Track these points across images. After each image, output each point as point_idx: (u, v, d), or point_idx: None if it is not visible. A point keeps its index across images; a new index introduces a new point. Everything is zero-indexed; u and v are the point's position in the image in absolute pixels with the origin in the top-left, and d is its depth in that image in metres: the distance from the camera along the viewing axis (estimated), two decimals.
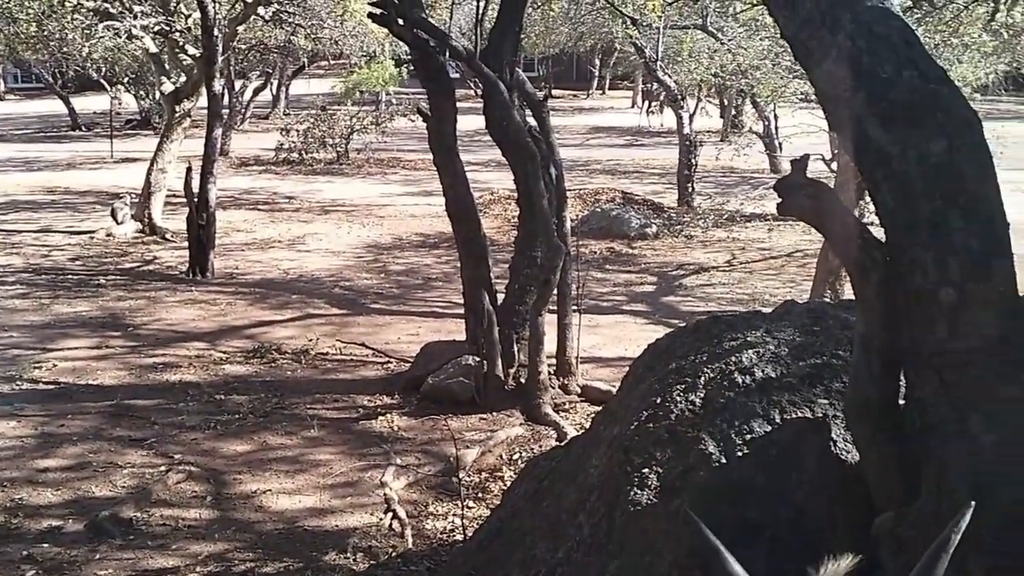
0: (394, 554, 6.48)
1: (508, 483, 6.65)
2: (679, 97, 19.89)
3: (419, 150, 20.62)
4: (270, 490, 7.36)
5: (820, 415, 3.70)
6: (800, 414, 3.72)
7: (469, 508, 6.91)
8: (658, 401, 4.10)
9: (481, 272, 9.32)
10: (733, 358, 4.07)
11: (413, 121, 19.04)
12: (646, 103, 34.99)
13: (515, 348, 9.23)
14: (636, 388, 4.50)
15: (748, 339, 4.20)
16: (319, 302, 12.85)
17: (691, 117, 20.26)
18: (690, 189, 19.60)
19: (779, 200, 3.12)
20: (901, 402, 3.19)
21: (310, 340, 10.92)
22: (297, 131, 25.23)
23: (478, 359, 9.00)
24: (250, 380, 9.74)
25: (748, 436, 3.67)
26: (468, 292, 9.40)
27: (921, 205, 2.89)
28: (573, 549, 4.15)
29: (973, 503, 1.74)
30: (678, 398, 4.04)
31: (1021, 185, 14.98)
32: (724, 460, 3.64)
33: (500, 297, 9.51)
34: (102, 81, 29.44)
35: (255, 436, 8.33)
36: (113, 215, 16.81)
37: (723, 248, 16.34)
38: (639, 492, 3.79)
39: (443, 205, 9.83)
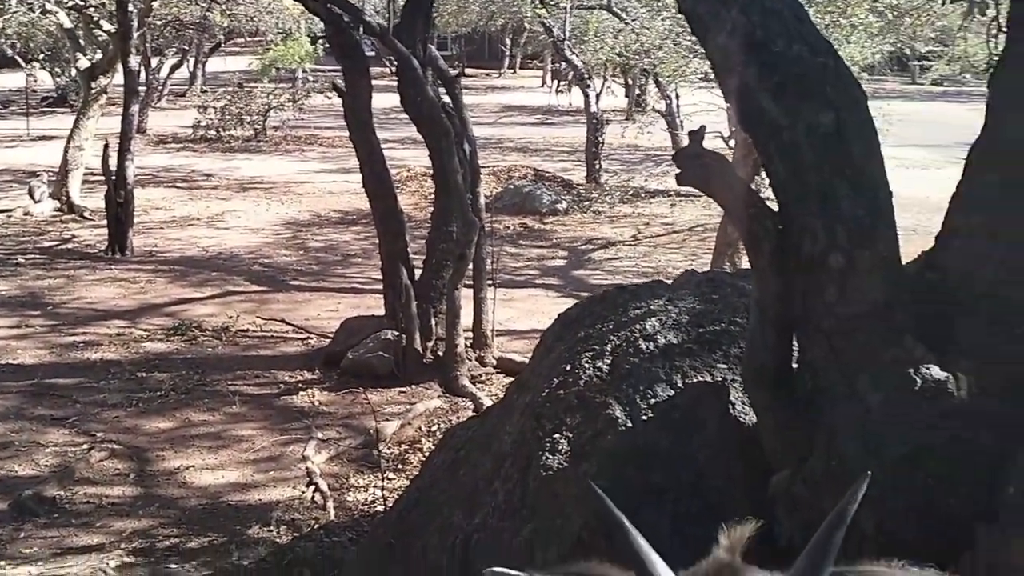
0: (316, 526, 6.46)
1: (427, 454, 6.64)
2: (586, 76, 19.92)
3: (336, 127, 20.33)
4: (193, 466, 7.26)
5: (719, 379, 3.74)
6: (700, 379, 3.76)
7: (389, 479, 6.90)
8: (568, 368, 4.11)
9: (399, 247, 9.26)
10: (638, 326, 4.10)
11: (329, 98, 18.77)
12: (555, 82, 34.94)
13: (433, 322, 9.20)
14: (547, 357, 4.50)
15: (651, 307, 4.22)
16: (239, 279, 12.63)
17: (598, 96, 20.30)
18: (597, 166, 19.69)
19: (678, 171, 3.14)
20: (794, 366, 3.25)
21: (230, 317, 10.75)
22: (214, 108, 24.65)
23: (397, 333, 8.95)
24: (171, 357, 9.55)
25: (652, 400, 3.70)
26: (386, 267, 9.33)
27: (810, 175, 2.93)
28: (489, 515, 4.15)
29: (869, 473, 1.76)
30: (587, 365, 4.05)
31: (905, 161, 15.48)
32: (630, 424, 3.66)
33: (418, 272, 9.44)
34: (17, 58, 28.26)
35: (177, 413, 8.18)
36: (30, 194, 16.20)
37: (629, 223, 16.47)
38: (550, 457, 3.80)
39: (360, 182, 9.73)
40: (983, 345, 2.88)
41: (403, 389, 8.70)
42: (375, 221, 9.75)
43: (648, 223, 16.45)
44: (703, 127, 3.19)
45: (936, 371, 2.86)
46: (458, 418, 7.76)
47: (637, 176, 19.43)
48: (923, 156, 18.01)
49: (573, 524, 3.52)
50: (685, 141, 3.31)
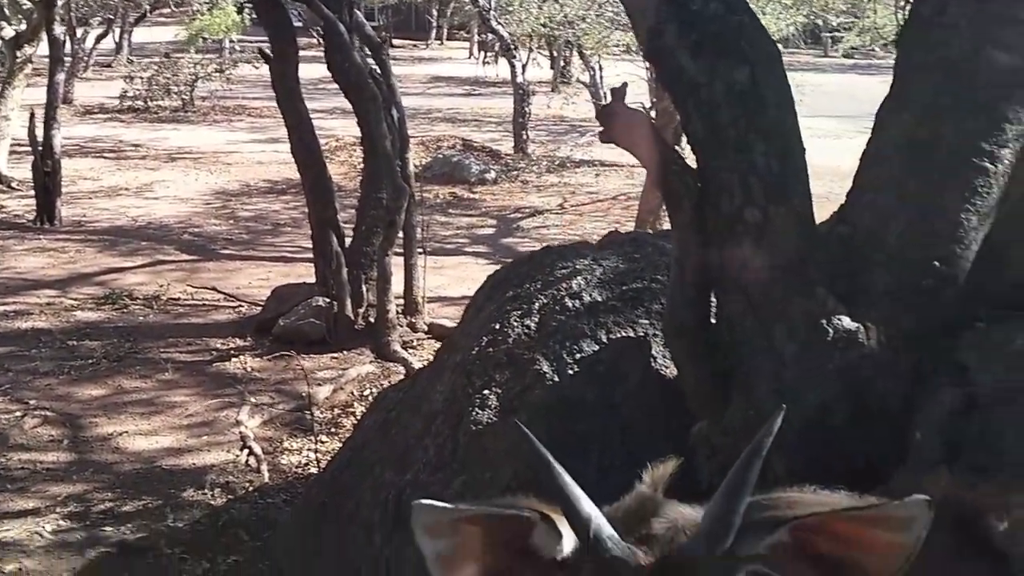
0: (251, 488, 6.40)
1: (359, 418, 6.62)
2: (512, 48, 19.82)
3: (264, 97, 19.94)
4: (126, 432, 7.13)
5: (641, 334, 3.78)
6: (624, 334, 3.80)
7: (322, 443, 6.88)
8: (497, 327, 4.12)
9: (328, 214, 9.13)
10: (564, 285, 4.12)
11: (257, 67, 18.37)
12: (482, 54, 34.74)
13: (364, 288, 9.11)
14: (477, 317, 4.51)
15: (577, 267, 4.25)
16: (169, 248, 12.36)
17: (524, 67, 20.22)
18: (525, 137, 19.64)
19: (600, 128, 3.14)
20: (713, 321, 3.29)
21: (161, 286, 10.52)
22: (141, 79, 23.95)
23: (328, 300, 8.86)
24: (102, 326, 9.32)
25: (578, 356, 3.73)
26: (316, 234, 9.20)
27: (727, 132, 2.95)
28: (420, 471, 4.15)
29: (784, 407, 1.79)
30: (515, 323, 4.07)
31: (817, 131, 15.73)
32: (557, 379, 3.69)
33: (348, 239, 9.35)
34: None
35: (109, 380, 8.01)
36: None
37: (555, 192, 16.51)
38: (480, 412, 3.81)
39: (289, 152, 9.57)
40: (891, 297, 2.95)
41: (335, 355, 8.62)
42: (304, 189, 9.58)
43: (574, 192, 16.51)
44: (624, 84, 3.20)
45: (847, 322, 2.92)
46: (390, 383, 7.72)
47: (563, 147, 19.44)
48: (835, 126, 18.30)
49: (503, 476, 3.54)
50: None
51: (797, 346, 2.96)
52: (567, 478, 1.72)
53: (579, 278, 4.16)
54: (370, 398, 7.42)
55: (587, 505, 1.70)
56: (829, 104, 19.57)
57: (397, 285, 9.08)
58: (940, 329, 2.96)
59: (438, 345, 8.51)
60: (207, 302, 10.19)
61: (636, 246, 4.42)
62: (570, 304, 4.01)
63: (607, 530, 1.69)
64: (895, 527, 1.50)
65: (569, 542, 1.75)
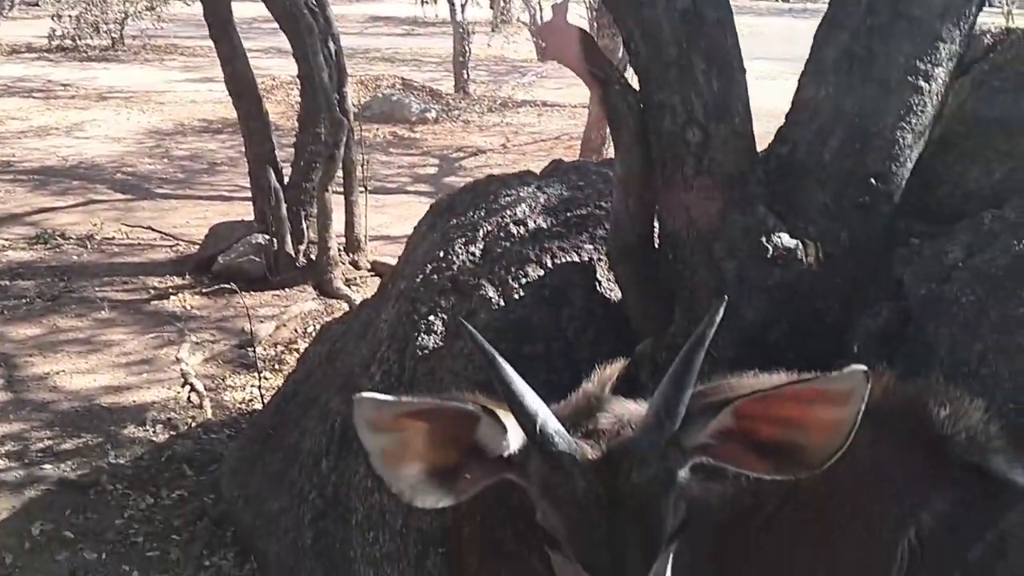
0: (194, 424, 6.37)
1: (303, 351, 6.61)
2: None
3: (197, 36, 19.43)
4: (63, 371, 7.04)
5: (586, 259, 3.83)
6: (568, 259, 3.84)
7: (266, 379, 6.85)
8: (441, 255, 4.13)
9: (265, 149, 8.97)
10: (508, 212, 4.15)
11: (189, 4, 17.91)
12: None
13: (304, 225, 9.02)
14: (420, 245, 4.52)
15: (521, 195, 4.27)
16: (102, 188, 12.10)
17: (463, 7, 19.99)
18: (465, 76, 19.48)
19: (543, 44, 3.14)
20: (656, 242, 3.34)
21: (94, 225, 10.32)
22: (69, 17, 23.24)
23: (268, 237, 8.76)
24: (35, 266, 9.14)
25: (524, 280, 3.76)
26: (253, 170, 9.04)
27: (669, 51, 2.98)
28: None
29: (726, 298, 1.86)
30: (459, 251, 4.08)
31: (755, 72, 15.80)
32: (503, 303, 3.73)
33: (286, 177, 9.21)
34: None
35: (44, 320, 7.88)
36: None
37: (498, 132, 16.44)
38: (426, 338, 3.84)
39: (224, 91, 9.38)
40: (829, 214, 3.03)
41: (276, 292, 8.56)
42: (240, 123, 9.37)
43: (516, 132, 16.45)
44: (565, 0, 3.20)
45: (786, 239, 3.00)
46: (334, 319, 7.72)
47: (504, 87, 19.35)
48: (771, 68, 18.40)
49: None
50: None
51: (737, 263, 3.03)
52: (513, 374, 1.76)
53: (523, 205, 4.18)
54: (313, 334, 7.41)
55: (533, 401, 1.75)
56: (766, 47, 19.67)
57: (338, 223, 9.02)
58: (876, 245, 3.05)
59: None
60: (143, 241, 10.02)
61: (580, 174, 4.45)
62: (515, 231, 4.04)
63: (553, 425, 1.74)
64: (836, 401, 1.57)
65: (515, 438, 1.79)
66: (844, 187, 3.00)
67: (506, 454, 1.80)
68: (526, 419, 1.75)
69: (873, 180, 2.96)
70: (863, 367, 1.58)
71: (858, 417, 1.61)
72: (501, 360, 1.79)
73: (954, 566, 1.84)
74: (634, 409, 1.91)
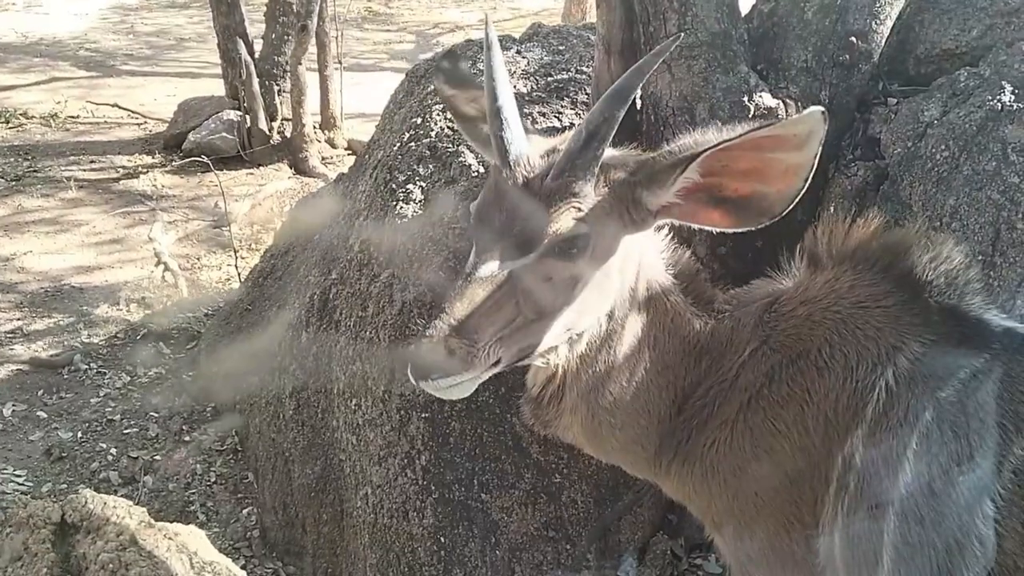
0: (169, 303, 6.48)
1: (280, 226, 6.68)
2: None
3: None
4: (31, 251, 7.11)
5: (567, 124, 3.90)
6: (549, 124, 3.91)
7: (242, 258, 6.93)
8: (419, 122, 4.19)
9: (235, 20, 8.87)
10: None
11: None
12: None
13: (277, 101, 9.01)
14: (398, 113, 4.57)
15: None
16: (64, 65, 11.98)
17: None
18: None
19: None
20: (637, 103, 3.42)
21: (58, 103, 10.26)
22: None
23: (240, 113, 8.75)
24: None
25: None
26: (222, 42, 8.97)
27: None
28: (345, 268, 4.29)
29: (681, 35, 2.05)
30: (437, 118, 4.14)
31: None
32: (482, 170, 3.81)
33: (257, 51, 9.15)
34: None
35: (8, 200, 7.92)
36: None
37: (476, 7, 16.30)
38: (404, 206, 3.92)
39: None
40: (809, 72, 3.11)
41: (251, 171, 8.61)
42: None
43: (495, 8, 16.25)
44: None
45: (768, 98, 3.09)
46: None
47: None
48: None
49: (431, 265, 3.70)
50: None
51: (719, 122, 3.11)
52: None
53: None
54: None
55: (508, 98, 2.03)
56: None
57: (313, 101, 9.00)
58: (855, 105, 3.15)
59: None
60: (109, 119, 9.99)
61: (560, 38, 4.48)
62: None
63: (517, 148, 1.91)
64: (794, 146, 1.71)
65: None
66: (825, 45, 3.07)
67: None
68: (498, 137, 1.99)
69: (854, 38, 3.04)
70: (820, 108, 1.71)
71: (815, 159, 1.75)
72: (504, 92, 1.97)
73: (927, 405, 1.99)
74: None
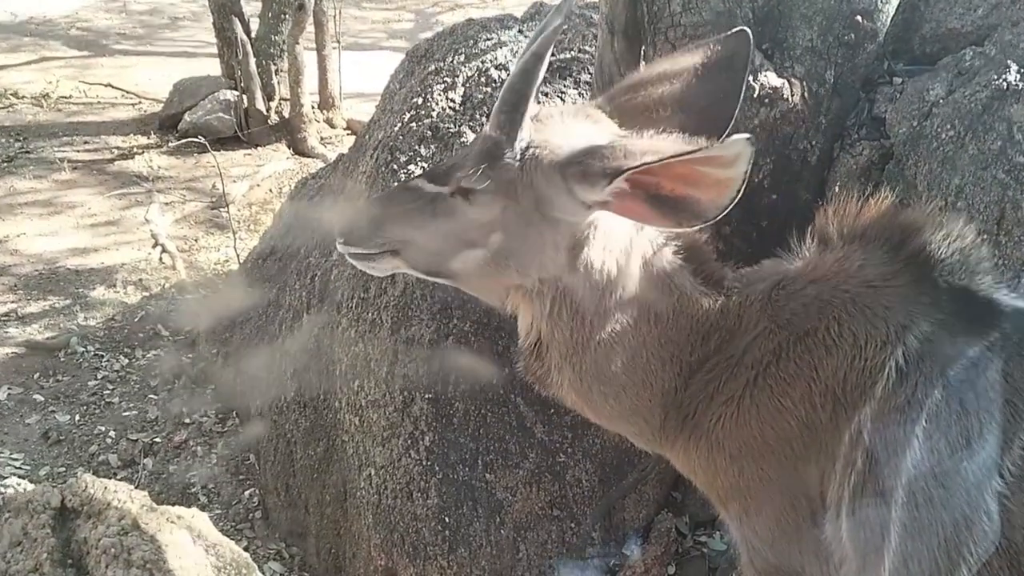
0: (167, 285, 6.52)
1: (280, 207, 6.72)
2: None
3: None
4: (24, 233, 7.15)
5: (570, 102, 3.95)
6: (553, 103, 3.96)
7: (241, 240, 6.95)
8: (420, 102, 4.23)
9: None
10: (489, 56, 4.23)
11: None
12: None
13: (275, 80, 9.02)
14: (398, 93, 4.61)
15: (502, 39, 4.35)
16: (56, 44, 11.97)
17: None
18: None
19: None
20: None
21: (50, 83, 10.24)
22: None
23: (237, 93, 8.78)
24: None
25: None
26: (218, 21, 8.99)
27: None
28: None
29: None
30: (439, 98, 4.19)
31: None
32: None
33: (254, 31, 9.16)
34: None
35: (0, 181, 7.94)
36: None
37: None
38: None
39: None
40: (815, 52, 3.16)
41: (248, 151, 8.64)
42: None
43: None
44: None
45: (773, 77, 3.13)
46: None
47: None
48: None
49: None
50: None
51: None
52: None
53: (504, 49, 4.27)
54: (288, 195, 7.51)
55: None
56: None
57: (311, 80, 9.02)
58: (860, 84, 3.20)
59: None
60: (102, 99, 10.00)
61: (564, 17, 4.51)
62: (495, 76, 4.13)
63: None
64: (724, 165, 1.79)
65: None
66: (830, 24, 3.12)
67: None
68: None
69: (859, 17, 3.09)
70: (746, 135, 1.79)
71: (746, 176, 1.83)
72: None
73: (937, 384, 2.04)
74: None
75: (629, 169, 1.93)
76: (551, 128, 2.17)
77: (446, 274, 2.29)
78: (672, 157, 1.87)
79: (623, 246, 2.21)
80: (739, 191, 1.86)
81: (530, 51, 2.05)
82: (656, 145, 1.98)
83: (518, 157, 2.11)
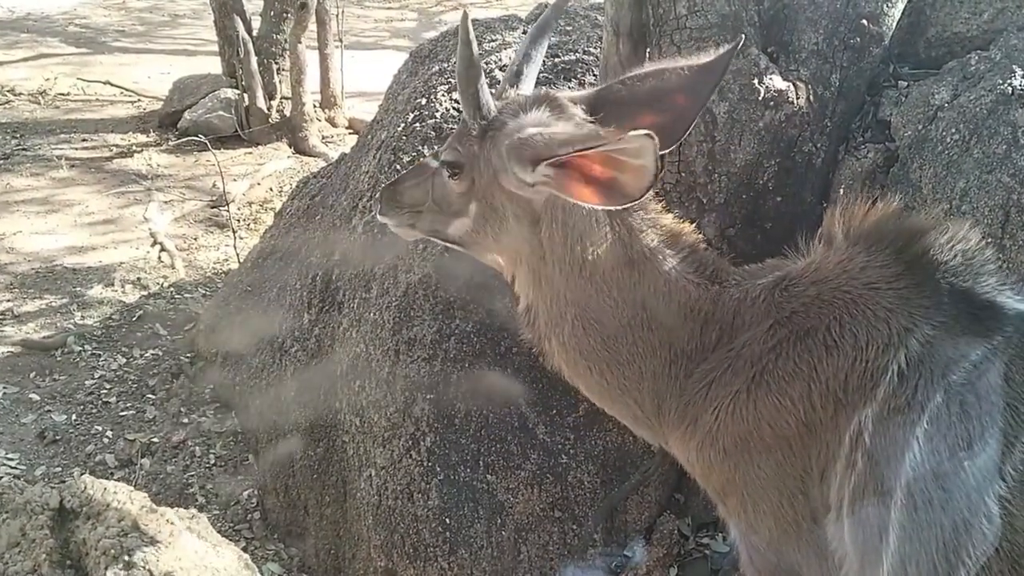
0: (166, 284, 6.56)
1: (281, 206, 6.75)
2: None
3: None
4: (21, 231, 7.18)
5: None
6: None
7: (241, 238, 7.00)
8: (423, 103, 4.28)
9: None
10: (494, 57, 4.28)
11: None
12: None
13: (276, 79, 9.07)
14: (401, 93, 4.66)
15: (507, 39, 4.40)
16: (53, 41, 12.05)
17: None
18: None
19: None
20: None
21: (47, 80, 10.32)
22: None
23: (237, 92, 8.83)
24: None
25: None
26: (219, 20, 9.05)
27: None
28: (348, 250, 4.40)
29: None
30: (443, 98, 4.24)
31: None
32: None
33: (255, 29, 9.21)
34: None
35: None
36: None
37: None
38: None
39: None
40: (820, 55, 3.21)
41: (249, 150, 8.68)
42: None
43: None
44: None
45: (778, 80, 3.18)
46: None
47: None
48: None
49: (436, 247, 3.80)
50: None
51: (728, 105, 3.21)
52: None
53: (509, 50, 4.31)
54: (289, 194, 7.55)
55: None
56: None
57: (313, 79, 9.08)
58: (865, 88, 3.25)
59: None
60: (101, 97, 10.05)
61: (568, 18, 4.57)
62: (500, 77, 4.17)
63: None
64: (633, 155, 2.03)
65: None
66: (836, 27, 3.16)
67: None
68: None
69: (865, 21, 3.13)
70: (644, 131, 1.98)
71: (657, 166, 2.02)
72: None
73: (938, 387, 2.08)
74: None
75: (549, 158, 2.17)
76: (510, 112, 2.42)
77: (451, 240, 2.61)
78: (584, 149, 2.10)
79: (586, 225, 2.37)
80: (656, 176, 2.04)
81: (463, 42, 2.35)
82: (575, 136, 2.24)
83: (477, 135, 2.42)
